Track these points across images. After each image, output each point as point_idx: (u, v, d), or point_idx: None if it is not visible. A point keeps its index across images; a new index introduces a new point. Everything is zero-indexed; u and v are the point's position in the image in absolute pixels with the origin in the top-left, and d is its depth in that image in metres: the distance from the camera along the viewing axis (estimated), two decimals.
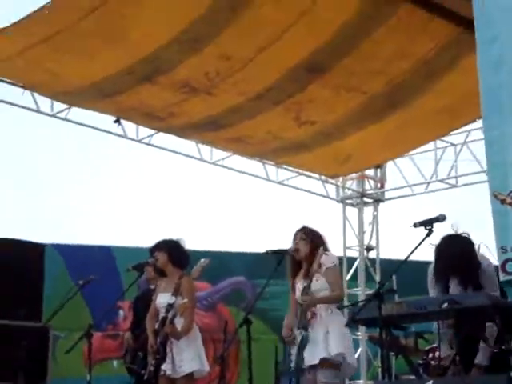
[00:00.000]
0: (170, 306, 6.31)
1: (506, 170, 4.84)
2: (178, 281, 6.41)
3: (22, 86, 8.34)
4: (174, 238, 6.73)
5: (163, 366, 6.24)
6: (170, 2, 7.12)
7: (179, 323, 6.29)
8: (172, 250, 6.58)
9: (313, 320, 5.71)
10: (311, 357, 5.60)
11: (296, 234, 5.97)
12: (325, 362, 5.60)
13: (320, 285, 5.76)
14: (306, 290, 5.71)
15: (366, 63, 8.03)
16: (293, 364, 5.66)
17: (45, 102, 9.11)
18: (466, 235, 5.76)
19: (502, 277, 4.79)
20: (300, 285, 5.84)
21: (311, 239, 5.92)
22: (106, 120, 9.15)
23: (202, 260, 6.54)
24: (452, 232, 5.71)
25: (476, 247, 6.16)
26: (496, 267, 5.75)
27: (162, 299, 6.47)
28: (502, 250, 4.73)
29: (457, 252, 5.60)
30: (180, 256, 6.61)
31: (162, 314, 6.39)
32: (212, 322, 11.02)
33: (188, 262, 6.64)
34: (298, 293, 5.86)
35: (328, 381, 5.64)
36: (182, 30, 7.38)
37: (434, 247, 5.75)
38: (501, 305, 5.17)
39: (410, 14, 7.35)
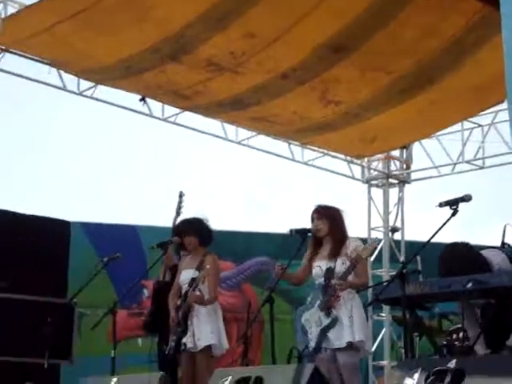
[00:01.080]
0: (193, 280, 6.36)
1: None
2: (202, 257, 6.47)
3: (48, 64, 8.37)
4: (199, 216, 6.76)
5: (184, 339, 6.30)
6: None
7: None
8: (202, 233, 6.62)
9: (335, 302, 5.70)
10: (337, 340, 5.61)
11: (312, 215, 5.96)
12: (350, 346, 5.61)
13: (344, 268, 5.72)
14: (343, 274, 5.69)
15: (393, 43, 7.95)
16: (312, 343, 5.67)
17: (71, 80, 9.14)
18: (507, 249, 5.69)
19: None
20: (323, 264, 5.82)
21: (327, 215, 5.90)
22: (132, 98, 9.17)
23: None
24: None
25: (503, 228, 6.11)
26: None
27: (185, 276, 6.51)
28: None
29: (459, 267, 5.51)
30: (207, 236, 6.66)
31: (184, 289, 6.44)
32: (236, 302, 11.05)
33: (212, 240, 6.68)
34: (317, 271, 5.85)
35: (349, 362, 5.65)
36: (207, 8, 7.36)
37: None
38: None
39: None
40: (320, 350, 5.65)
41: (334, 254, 5.78)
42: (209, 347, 6.35)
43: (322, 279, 5.78)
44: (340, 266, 5.74)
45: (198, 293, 6.32)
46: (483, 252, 5.64)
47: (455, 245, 5.68)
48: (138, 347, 10.05)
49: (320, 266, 5.84)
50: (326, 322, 5.65)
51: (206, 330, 6.32)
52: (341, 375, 5.62)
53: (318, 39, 7.85)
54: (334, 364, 5.67)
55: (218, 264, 6.62)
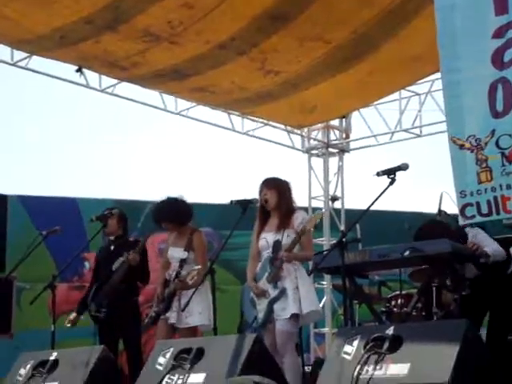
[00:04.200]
0: (183, 261, 6.41)
1: (463, 115, 4.85)
2: (189, 236, 6.47)
3: None
4: (176, 197, 6.73)
5: (167, 315, 6.31)
6: None
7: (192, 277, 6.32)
8: (177, 217, 6.61)
9: (281, 274, 5.74)
10: (282, 311, 5.66)
11: (261, 187, 5.98)
12: (293, 316, 5.66)
13: (290, 241, 5.77)
14: (278, 245, 5.72)
15: (330, 13, 7.94)
16: (261, 315, 5.71)
17: (4, 51, 8.95)
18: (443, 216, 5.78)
19: (462, 221, 4.84)
20: (269, 237, 5.84)
21: (276, 187, 5.93)
22: (68, 69, 9.01)
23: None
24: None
25: (439, 196, 6.22)
26: (481, 227, 5.80)
27: (174, 253, 6.54)
28: (461, 194, 4.77)
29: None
30: (185, 217, 6.64)
31: (174, 268, 6.51)
32: None
33: (191, 215, 6.67)
34: (263, 243, 5.87)
35: (284, 330, 5.69)
36: None
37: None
38: (461, 251, 5.24)
39: None
40: (269, 321, 5.71)
41: (281, 227, 5.83)
42: (195, 327, 6.40)
43: (269, 251, 5.82)
44: (286, 238, 5.79)
45: (184, 272, 6.35)
46: None
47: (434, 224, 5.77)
48: (79, 321, 10.00)
49: (266, 238, 5.87)
50: (273, 294, 5.71)
51: (195, 311, 6.31)
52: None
53: (255, 9, 7.80)
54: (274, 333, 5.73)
55: (204, 242, 6.65)
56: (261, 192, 5.96)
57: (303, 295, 5.69)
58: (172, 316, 6.36)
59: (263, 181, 6.01)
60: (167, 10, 7.67)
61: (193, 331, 6.42)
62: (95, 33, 7.93)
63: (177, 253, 6.53)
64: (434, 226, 5.79)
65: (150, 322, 6.52)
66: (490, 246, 5.66)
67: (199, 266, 6.28)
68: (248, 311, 5.95)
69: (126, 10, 7.65)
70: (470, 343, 4.02)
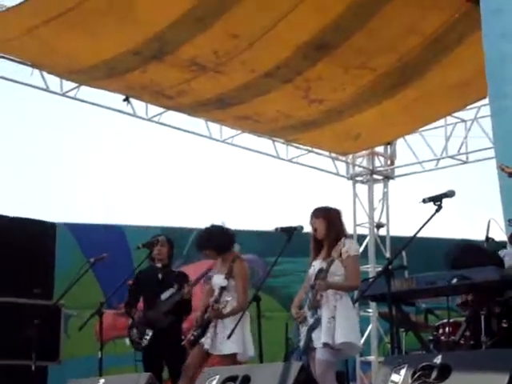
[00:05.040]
0: (223, 289, 6.42)
1: None
2: (230, 263, 6.49)
3: (31, 65, 8.35)
4: (217, 224, 6.75)
5: (202, 340, 6.34)
6: None
7: (230, 306, 6.34)
8: (216, 244, 6.57)
9: (320, 302, 5.68)
10: (317, 340, 5.61)
11: (310, 216, 5.97)
12: (326, 346, 5.59)
13: (335, 269, 5.69)
14: (323, 273, 5.71)
15: (374, 40, 7.99)
16: (302, 343, 5.69)
17: (54, 81, 9.12)
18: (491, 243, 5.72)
19: (510, 248, 4.79)
20: (317, 265, 5.84)
21: (324, 216, 5.91)
22: (116, 99, 9.16)
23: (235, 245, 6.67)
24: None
25: (487, 223, 6.15)
26: None
27: (217, 280, 6.55)
28: (510, 222, 4.72)
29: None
30: (224, 244, 6.61)
31: (216, 295, 6.49)
32: None
33: (232, 242, 6.65)
34: (311, 271, 5.87)
35: (323, 359, 5.60)
36: (188, 9, 7.36)
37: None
38: (510, 278, 5.17)
39: None
40: (309, 349, 5.69)
41: (328, 254, 5.76)
42: (232, 354, 6.32)
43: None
44: (335, 266, 5.68)
45: (228, 298, 6.35)
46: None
47: (468, 244, 5.71)
48: (125, 347, 10.04)
49: (314, 265, 5.85)
50: (310, 321, 5.68)
51: (230, 338, 6.16)
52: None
53: (300, 37, 7.87)
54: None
55: (245, 270, 6.56)
56: (310, 221, 5.96)
57: (339, 325, 5.58)
58: (206, 342, 6.36)
59: (313, 210, 6.01)
60: (212, 39, 7.78)
61: (227, 359, 6.37)
62: (142, 63, 8.07)
63: (219, 280, 6.55)
64: (469, 250, 5.72)
65: (189, 346, 6.53)
66: None
67: (229, 298, 6.32)
68: (295, 338, 5.94)
69: (172, 40, 7.78)
70: None
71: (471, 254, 5.63)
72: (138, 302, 7.29)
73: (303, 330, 5.71)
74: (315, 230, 5.87)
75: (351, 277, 5.71)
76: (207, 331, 6.37)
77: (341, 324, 5.58)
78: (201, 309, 6.57)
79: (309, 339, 5.62)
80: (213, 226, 6.75)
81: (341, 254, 5.71)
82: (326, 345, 5.54)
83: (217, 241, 6.62)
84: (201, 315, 6.49)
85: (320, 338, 5.56)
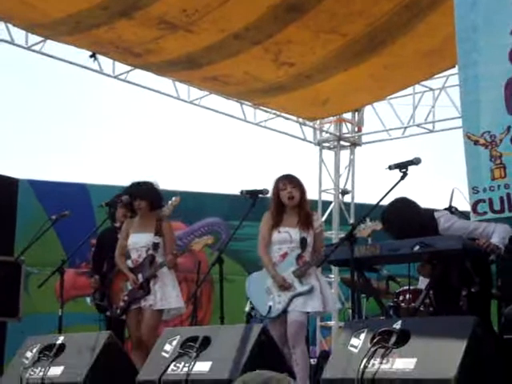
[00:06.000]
0: (155, 245, 6.40)
1: (479, 111, 4.82)
2: (157, 222, 6.48)
3: None
4: (150, 180, 6.74)
5: (147, 300, 6.34)
6: None
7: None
8: (152, 197, 6.60)
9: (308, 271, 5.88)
10: (303, 305, 5.78)
11: (283, 182, 5.95)
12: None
13: (311, 240, 5.95)
14: (305, 242, 5.88)
15: (346, 5, 7.91)
16: (279, 306, 5.74)
17: (19, 34, 8.97)
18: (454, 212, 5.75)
19: (474, 217, 4.82)
20: (293, 233, 5.90)
21: (300, 185, 6.00)
22: (82, 54, 9.02)
23: (173, 198, 6.68)
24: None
25: (451, 192, 6.18)
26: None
27: (139, 239, 6.50)
28: (474, 190, 4.75)
29: (404, 224, 5.62)
30: (158, 201, 6.64)
31: (140, 253, 6.47)
32: (186, 262, 11.01)
33: (161, 205, 6.69)
34: (285, 237, 5.89)
35: (301, 320, 5.81)
36: None
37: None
38: (471, 248, 5.21)
39: None
40: (284, 313, 5.76)
41: (304, 225, 5.91)
42: (162, 310, 6.43)
43: (293, 246, 5.88)
44: (311, 237, 5.92)
45: (158, 257, 6.42)
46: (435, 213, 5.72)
47: (402, 204, 5.74)
48: (86, 306, 10.01)
49: (289, 232, 5.90)
50: (300, 289, 5.78)
51: (171, 293, 6.42)
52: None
53: None
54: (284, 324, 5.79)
55: (172, 228, 6.70)
56: (283, 187, 5.94)
57: (328, 294, 5.97)
58: (150, 299, 6.37)
59: (287, 176, 6.00)
60: None
61: (160, 315, 6.45)
62: (110, 19, 7.92)
63: (142, 238, 6.52)
64: (402, 205, 5.76)
65: (120, 314, 6.51)
66: (496, 236, 5.56)
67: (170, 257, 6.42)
68: (258, 300, 5.94)
69: None
70: (479, 340, 4.00)
71: (402, 213, 5.69)
72: (102, 268, 7.23)
73: (281, 294, 5.76)
74: (291, 197, 5.91)
75: (320, 250, 5.95)
76: (150, 289, 6.37)
77: (327, 293, 5.96)
78: (127, 271, 6.51)
79: (289, 304, 5.70)
80: (149, 181, 6.74)
81: (313, 227, 5.94)
82: (317, 312, 5.88)
83: (154, 195, 6.62)
84: (135, 277, 6.45)
85: (306, 303, 5.77)
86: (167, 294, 6.40)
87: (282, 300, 5.78)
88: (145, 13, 7.84)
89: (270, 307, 5.78)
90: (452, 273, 5.43)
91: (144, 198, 6.57)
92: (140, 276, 6.45)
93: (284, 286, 5.80)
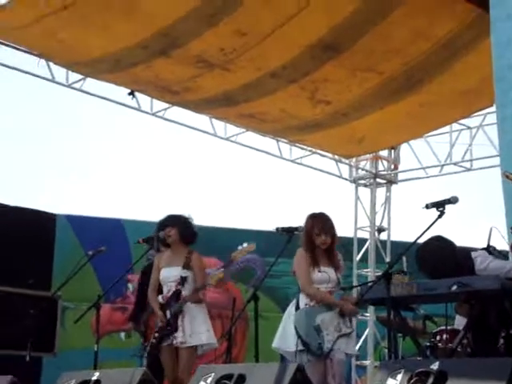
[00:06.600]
0: (183, 279, 6.38)
1: None
2: (187, 255, 6.45)
3: (37, 55, 8.33)
4: (184, 213, 6.74)
5: (176, 337, 6.30)
6: None
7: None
8: (182, 226, 6.58)
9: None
10: (346, 346, 5.79)
11: (320, 229, 5.95)
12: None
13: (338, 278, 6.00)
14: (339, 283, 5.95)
15: (382, 44, 7.96)
16: (328, 346, 5.72)
17: (60, 72, 9.12)
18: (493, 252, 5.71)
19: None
20: (331, 273, 5.92)
21: (333, 228, 6.00)
22: (121, 92, 9.15)
23: (249, 245, 6.66)
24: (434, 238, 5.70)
25: (489, 231, 6.12)
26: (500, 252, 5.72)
27: (169, 273, 6.49)
28: None
29: (438, 263, 5.59)
30: (189, 233, 6.62)
31: (170, 288, 6.44)
32: (221, 298, 11.04)
33: (195, 239, 6.66)
34: (325, 277, 5.90)
35: (345, 360, 5.87)
36: (198, 5, 7.33)
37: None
38: (510, 288, 5.14)
39: None
40: (330, 353, 5.75)
41: (334, 266, 5.97)
42: (196, 346, 6.35)
43: (329, 286, 5.88)
44: (340, 277, 5.99)
45: (186, 292, 6.36)
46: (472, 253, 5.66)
47: (438, 242, 5.70)
48: (120, 342, 10.02)
49: (327, 272, 5.92)
50: (346, 330, 5.79)
51: (200, 328, 6.33)
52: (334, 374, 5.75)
53: (308, 38, 7.84)
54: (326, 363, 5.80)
55: (203, 261, 6.61)
56: (317, 232, 5.95)
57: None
58: (179, 335, 6.34)
59: (322, 222, 5.99)
60: (220, 36, 7.75)
61: (194, 350, 6.36)
62: (149, 57, 8.04)
63: (172, 272, 6.50)
64: (437, 244, 5.71)
65: (155, 348, 6.46)
66: None
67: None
68: (309, 336, 5.88)
69: (180, 36, 7.74)
70: None
71: (437, 252, 5.64)
72: (145, 304, 7.19)
73: (329, 332, 5.75)
74: (324, 243, 5.93)
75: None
76: (178, 326, 6.34)
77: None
78: (156, 307, 6.47)
79: (335, 344, 5.72)
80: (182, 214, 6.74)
81: (340, 267, 6.00)
82: (354, 355, 5.99)
83: (186, 226, 6.60)
84: (162, 313, 6.40)
85: (348, 345, 5.81)
86: (197, 330, 6.31)
87: (331, 339, 5.75)
88: (183, 51, 7.96)
89: (320, 344, 5.73)
90: (490, 313, 5.36)
91: (174, 226, 6.55)
92: (168, 312, 6.42)
93: (353, 310, 5.84)
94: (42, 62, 8.69)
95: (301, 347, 5.75)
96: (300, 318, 5.92)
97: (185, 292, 6.39)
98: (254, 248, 6.74)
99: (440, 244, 5.70)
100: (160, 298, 6.49)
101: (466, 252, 5.68)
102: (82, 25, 7.50)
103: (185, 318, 6.33)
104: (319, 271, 5.92)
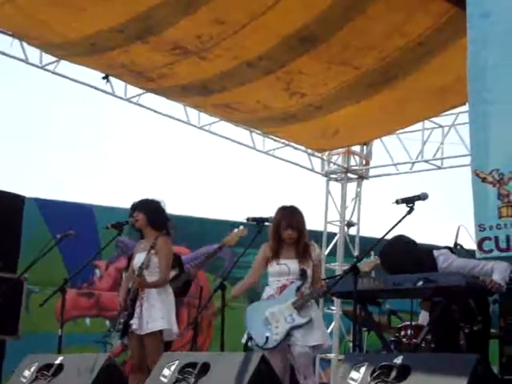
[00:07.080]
0: (142, 264, 6.34)
1: (488, 148, 4.84)
2: (154, 241, 6.41)
3: (11, 35, 8.24)
4: (155, 198, 6.69)
5: (131, 321, 6.26)
6: None
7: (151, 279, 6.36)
8: (151, 211, 6.54)
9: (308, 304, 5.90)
10: (303, 338, 5.76)
11: (287, 223, 5.94)
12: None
13: (311, 272, 5.99)
14: (305, 274, 5.90)
15: (359, 38, 7.95)
16: (277, 337, 5.72)
17: (34, 53, 9.03)
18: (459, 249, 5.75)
19: (479, 255, 4.82)
20: (291, 265, 5.91)
21: (299, 223, 5.98)
22: (95, 76, 9.07)
23: (241, 228, 6.63)
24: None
25: (456, 229, 6.18)
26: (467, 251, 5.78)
27: (138, 259, 6.47)
28: (480, 228, 4.75)
29: (399, 260, 5.64)
30: (159, 217, 6.57)
31: (136, 273, 6.41)
32: None
33: (166, 224, 6.60)
34: (284, 269, 5.88)
35: (308, 352, 5.82)
36: None
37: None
38: (474, 285, 5.20)
39: None
40: (281, 344, 5.73)
41: (303, 257, 5.93)
42: (159, 332, 6.30)
43: (292, 278, 5.87)
44: (310, 269, 5.93)
45: (147, 277, 6.31)
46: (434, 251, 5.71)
47: (401, 241, 5.74)
48: (85, 327, 9.97)
49: (287, 264, 5.89)
50: (299, 321, 5.76)
51: (156, 316, 6.26)
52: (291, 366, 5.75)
53: (286, 29, 7.81)
54: (287, 355, 5.78)
55: (169, 246, 6.53)
56: (284, 226, 5.94)
57: (323, 329, 5.97)
58: (134, 322, 6.29)
59: (289, 217, 5.98)
60: (198, 24, 7.70)
61: (157, 337, 6.29)
62: (125, 42, 7.97)
63: (140, 257, 6.47)
64: (400, 242, 5.76)
65: (122, 333, 6.41)
66: (496, 274, 5.55)
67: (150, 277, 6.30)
68: (256, 329, 5.90)
69: (157, 22, 7.68)
70: (479, 378, 3.97)
71: (401, 247, 5.69)
72: None
73: (279, 325, 5.74)
74: (291, 238, 5.92)
75: (318, 281, 6.00)
76: (134, 312, 6.30)
77: (322, 327, 5.98)
78: (121, 294, 6.45)
79: (287, 335, 5.69)
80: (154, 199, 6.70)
81: (312, 259, 5.96)
82: (318, 345, 5.82)
83: (155, 210, 6.55)
84: (124, 297, 6.37)
85: (306, 336, 5.76)
86: (153, 316, 6.24)
87: (280, 331, 5.76)
88: (159, 37, 7.90)
89: (267, 337, 5.75)
90: (454, 310, 5.41)
91: (141, 210, 6.50)
92: (129, 297, 6.36)
93: (299, 307, 5.81)
94: (16, 42, 8.59)
95: (246, 338, 5.81)
96: (249, 311, 5.99)
97: (150, 278, 6.35)
98: (246, 233, 6.72)
99: (401, 242, 5.75)
100: (130, 283, 6.48)
101: (429, 250, 5.73)
102: (58, 5, 7.41)
103: (143, 305, 6.29)
104: (277, 264, 5.92)
